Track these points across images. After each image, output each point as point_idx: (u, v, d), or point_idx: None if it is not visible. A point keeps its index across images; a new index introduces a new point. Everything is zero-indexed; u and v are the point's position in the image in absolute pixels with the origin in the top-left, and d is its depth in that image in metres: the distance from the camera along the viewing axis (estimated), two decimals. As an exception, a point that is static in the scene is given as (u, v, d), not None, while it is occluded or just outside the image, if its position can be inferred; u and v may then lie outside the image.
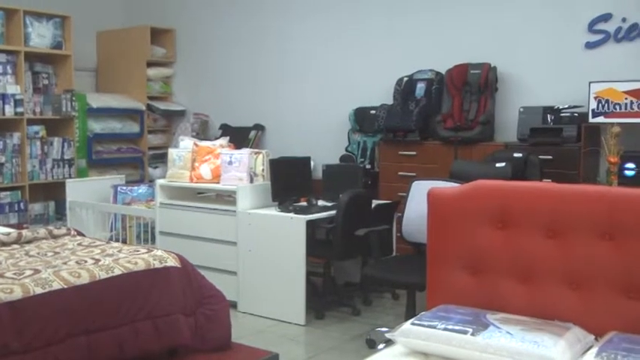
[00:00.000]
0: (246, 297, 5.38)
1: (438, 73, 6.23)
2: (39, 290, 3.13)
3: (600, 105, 5.25)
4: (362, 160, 6.66)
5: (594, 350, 2.39)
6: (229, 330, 3.93)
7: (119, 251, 3.82)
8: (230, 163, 5.48)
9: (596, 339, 2.60)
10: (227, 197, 5.79)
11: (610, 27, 5.58)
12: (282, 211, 5.27)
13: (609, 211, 2.71)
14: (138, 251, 3.82)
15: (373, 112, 6.49)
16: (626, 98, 5.17)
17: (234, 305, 5.22)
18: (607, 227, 2.71)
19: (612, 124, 4.83)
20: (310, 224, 5.25)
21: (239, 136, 7.21)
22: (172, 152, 5.92)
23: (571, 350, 2.44)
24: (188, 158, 5.77)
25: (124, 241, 6.13)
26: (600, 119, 5.25)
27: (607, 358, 2.29)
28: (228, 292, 4.27)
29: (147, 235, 6.14)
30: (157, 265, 3.68)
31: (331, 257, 5.44)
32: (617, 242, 2.70)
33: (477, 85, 5.97)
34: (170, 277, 3.69)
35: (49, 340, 3.09)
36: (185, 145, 5.94)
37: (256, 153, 5.60)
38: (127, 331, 3.42)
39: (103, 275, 3.41)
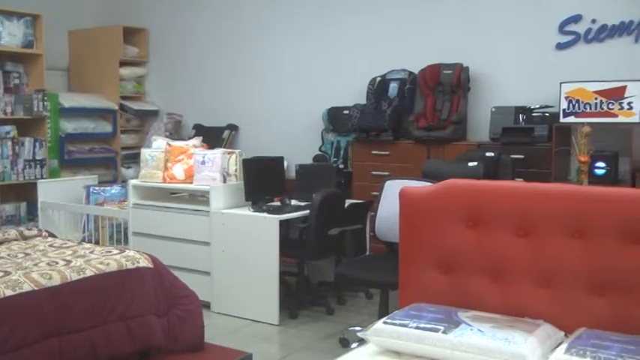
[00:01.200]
0: (219, 297, 5.37)
1: (410, 73, 6.26)
2: (9, 292, 3.10)
3: (571, 105, 5.31)
4: (335, 159, 6.67)
5: (564, 346, 2.42)
6: (202, 330, 3.93)
7: (91, 252, 3.80)
8: (203, 163, 5.46)
9: (566, 335, 2.64)
10: (200, 197, 5.77)
11: (580, 28, 5.64)
12: (255, 211, 5.26)
13: (579, 209, 2.74)
14: (110, 252, 3.81)
15: (346, 112, 6.51)
16: (596, 98, 5.23)
17: (207, 306, 5.20)
18: (576, 226, 2.74)
19: (583, 123, 4.88)
20: (284, 224, 5.25)
21: (212, 136, 7.18)
22: (145, 152, 5.88)
23: (541, 347, 2.47)
24: (161, 158, 5.74)
25: (97, 242, 6.09)
26: (571, 119, 5.31)
27: (576, 353, 2.32)
28: (201, 292, 4.27)
29: (120, 235, 6.10)
30: (129, 265, 3.67)
31: (305, 257, 5.45)
32: (586, 240, 2.73)
33: (449, 85, 6.01)
34: (142, 277, 3.68)
35: (19, 342, 3.07)
36: (158, 145, 5.92)
37: (229, 153, 5.59)
38: (99, 332, 3.41)
39: (75, 276, 3.40)
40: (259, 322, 5.13)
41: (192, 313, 3.88)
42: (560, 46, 5.72)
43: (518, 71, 5.92)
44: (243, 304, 5.23)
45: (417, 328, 2.58)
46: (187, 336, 3.82)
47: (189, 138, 6.73)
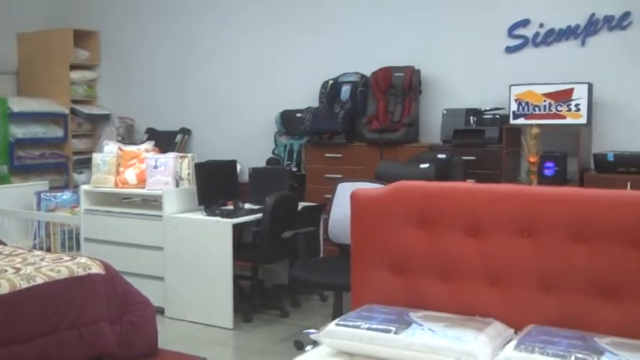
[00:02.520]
0: (173, 302, 5.32)
1: (363, 76, 6.30)
2: (-44, 301, 3.05)
3: (520, 107, 5.40)
4: (288, 162, 6.67)
5: (513, 343, 2.46)
6: (156, 336, 3.91)
7: (41, 259, 3.75)
8: (155, 167, 5.42)
9: (515, 332, 2.68)
10: (153, 202, 5.72)
11: (528, 32, 5.74)
12: (208, 215, 5.23)
13: (527, 209, 2.78)
14: (61, 259, 3.77)
15: (299, 114, 6.51)
16: (544, 100, 5.33)
17: (161, 311, 5.16)
18: (525, 225, 2.78)
19: (532, 125, 4.97)
20: (237, 228, 5.23)
21: (165, 140, 7.13)
22: (96, 157, 5.81)
23: (492, 344, 2.51)
24: (113, 163, 5.68)
25: (48, 249, 6.01)
26: (521, 121, 5.40)
27: (525, 350, 2.37)
28: (154, 297, 4.24)
29: (72, 242, 6.02)
30: (81, 272, 3.63)
31: (258, 260, 5.45)
32: (534, 239, 2.77)
33: (401, 87, 6.06)
34: (94, 284, 3.65)
35: (-33, 351, 3.02)
36: (109, 149, 5.85)
37: (182, 157, 5.56)
38: (50, 340, 3.37)
39: (24, 284, 3.35)
40: (213, 326, 5.10)
41: (146, 318, 3.85)
42: (510, 50, 5.81)
43: (469, 74, 6.00)
44: (196, 308, 5.20)
45: (368, 329, 2.60)
46: (141, 342, 3.79)
47: (142, 142, 6.66)
